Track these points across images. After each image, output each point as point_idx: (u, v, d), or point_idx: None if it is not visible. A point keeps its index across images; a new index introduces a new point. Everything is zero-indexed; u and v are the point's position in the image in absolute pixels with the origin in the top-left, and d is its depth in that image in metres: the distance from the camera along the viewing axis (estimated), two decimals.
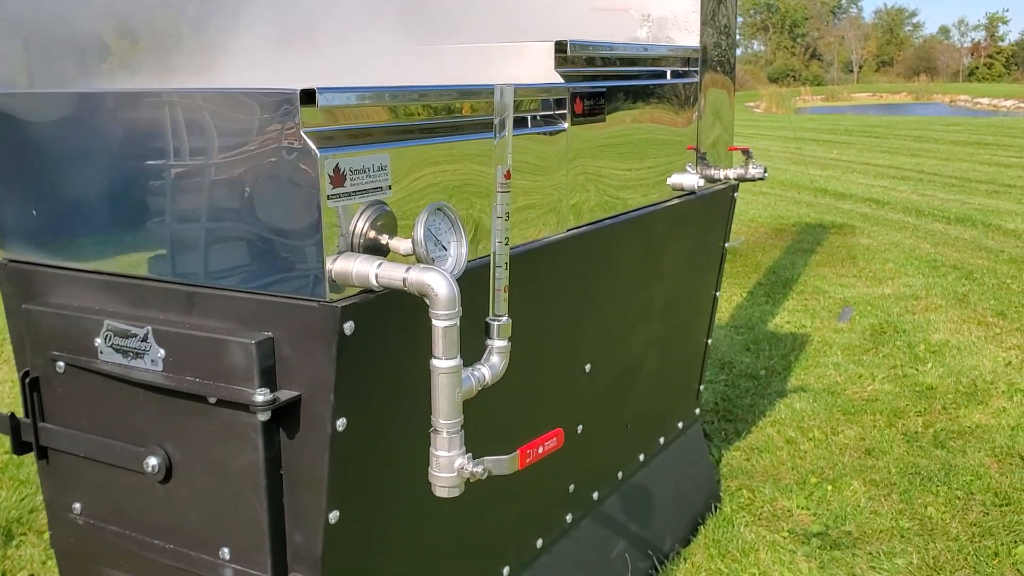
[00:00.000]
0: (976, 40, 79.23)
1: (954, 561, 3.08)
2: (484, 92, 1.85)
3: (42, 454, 1.94)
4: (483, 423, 1.73)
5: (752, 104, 38.06)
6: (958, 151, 16.09)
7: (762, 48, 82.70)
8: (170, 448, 1.74)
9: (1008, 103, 40.08)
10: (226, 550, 1.71)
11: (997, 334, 5.50)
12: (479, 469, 1.56)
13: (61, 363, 1.83)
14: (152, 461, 1.74)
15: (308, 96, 1.48)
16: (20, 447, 1.96)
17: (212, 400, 1.63)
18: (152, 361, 1.69)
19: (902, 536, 3.24)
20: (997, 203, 10.32)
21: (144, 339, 1.69)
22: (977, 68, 73.93)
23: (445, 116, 1.79)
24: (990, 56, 74.51)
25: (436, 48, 2.22)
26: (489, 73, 2.18)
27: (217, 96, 1.57)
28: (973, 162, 14.37)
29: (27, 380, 1.90)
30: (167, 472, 1.74)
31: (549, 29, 2.37)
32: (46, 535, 3.26)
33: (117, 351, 1.73)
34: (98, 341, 1.75)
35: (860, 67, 78.97)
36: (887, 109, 37.88)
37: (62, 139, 1.78)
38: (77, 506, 1.92)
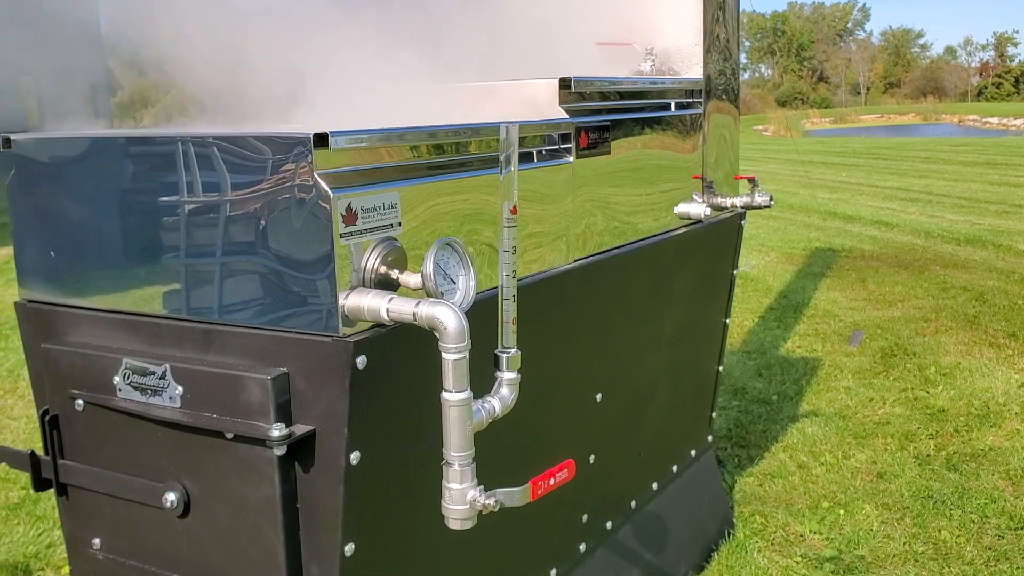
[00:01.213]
0: (984, 60, 79.29)
1: None
2: (490, 130, 1.89)
3: (62, 491, 1.97)
4: (495, 455, 1.76)
5: (760, 127, 38.18)
6: (967, 172, 16.10)
7: (769, 72, 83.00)
8: (188, 483, 1.76)
9: (1018, 122, 40.04)
10: None
11: (1009, 356, 5.49)
12: (491, 501, 1.58)
13: (80, 401, 1.86)
14: (171, 496, 1.76)
15: (321, 139, 1.53)
16: (40, 484, 1.99)
17: (229, 435, 1.66)
18: (170, 398, 1.72)
19: (916, 560, 3.23)
20: (1007, 223, 10.31)
21: (162, 376, 1.73)
22: (986, 88, 73.95)
23: (453, 154, 1.83)
24: (999, 75, 74.53)
25: (443, 87, 2.26)
26: (496, 110, 2.23)
27: (233, 140, 1.61)
28: (982, 182, 14.38)
29: (47, 418, 1.93)
30: (185, 507, 1.77)
31: (554, 65, 2.42)
32: (64, 570, 3.29)
33: (136, 388, 1.76)
34: (116, 379, 1.78)
35: (868, 89, 79.12)
36: (895, 130, 37.89)
37: (80, 181, 1.83)
38: (97, 541, 1.95)
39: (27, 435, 4.66)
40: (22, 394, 5.31)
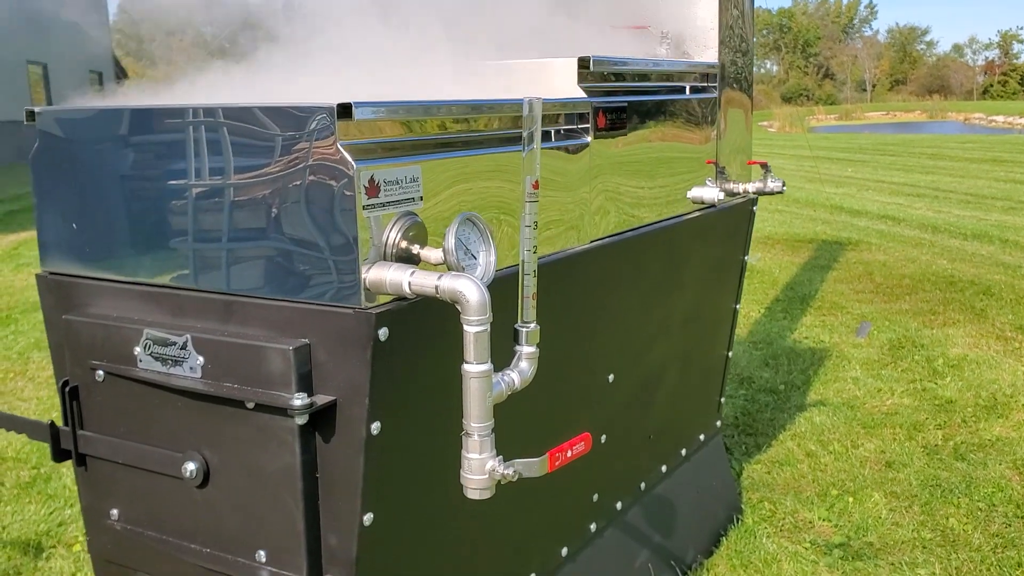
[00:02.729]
0: (990, 58, 79.03)
1: (976, 572, 3.09)
2: (512, 106, 1.90)
3: (80, 461, 1.99)
4: (511, 431, 1.77)
5: (766, 123, 38.10)
6: (973, 168, 16.09)
7: (775, 68, 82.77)
8: (208, 453, 1.78)
9: (1023, 120, 39.92)
10: (262, 553, 1.75)
11: (1016, 348, 5.50)
12: (510, 471, 1.60)
13: (100, 372, 1.88)
14: (190, 466, 1.78)
15: (344, 110, 1.54)
16: (59, 454, 2.01)
17: (250, 405, 1.67)
18: (191, 368, 1.73)
19: (924, 547, 3.25)
20: (1014, 219, 10.31)
21: (183, 347, 1.74)
22: (991, 86, 73.72)
23: (474, 129, 1.84)
24: (1004, 74, 74.28)
25: (462, 65, 2.27)
26: (515, 88, 2.24)
27: (256, 110, 1.62)
28: (989, 179, 14.37)
29: (66, 389, 1.95)
30: (205, 477, 1.78)
31: (572, 46, 2.42)
32: (75, 548, 3.31)
33: (156, 359, 1.78)
34: (137, 350, 1.80)
35: (873, 86, 78.91)
36: (901, 127, 37.81)
37: (101, 154, 1.84)
38: (115, 512, 1.97)
39: (37, 416, 4.67)
40: (32, 376, 5.34)
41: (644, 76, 2.53)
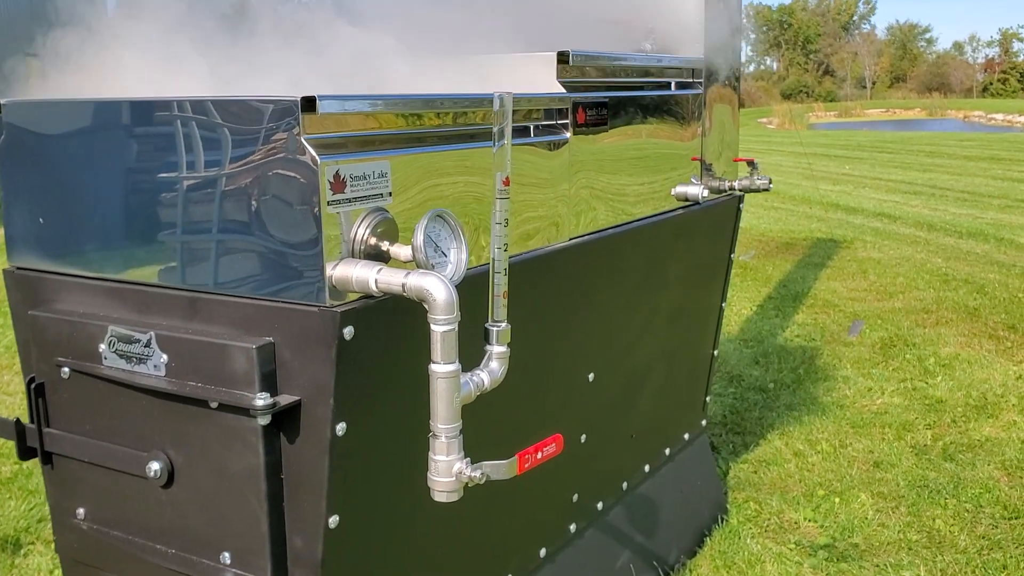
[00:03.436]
0: (990, 56, 78.90)
1: (962, 574, 3.06)
2: (485, 101, 1.87)
3: (47, 459, 1.96)
4: (485, 431, 1.74)
5: (765, 120, 38.00)
6: (971, 166, 16.05)
7: (775, 64, 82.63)
8: (172, 453, 1.75)
9: (1023, 119, 39.85)
10: (227, 554, 1.72)
11: (1008, 348, 5.47)
12: (477, 474, 1.57)
13: (66, 369, 1.85)
14: (154, 466, 1.75)
15: (309, 103, 1.50)
16: (25, 452, 1.98)
17: (214, 405, 1.64)
18: (155, 366, 1.70)
19: (909, 549, 3.22)
20: (1010, 218, 10.28)
21: (147, 344, 1.71)
22: (991, 84, 73.58)
23: (446, 124, 1.80)
24: (1004, 72, 74.13)
25: (440, 58, 2.24)
26: (492, 83, 2.20)
27: (219, 103, 1.59)
28: (986, 177, 14.33)
29: (32, 386, 1.92)
30: (169, 477, 1.75)
31: (554, 40, 2.39)
32: (54, 544, 3.28)
33: (121, 356, 1.75)
34: (102, 347, 1.77)
35: (873, 83, 78.74)
36: (900, 125, 37.75)
37: (66, 147, 1.81)
38: (81, 511, 1.94)
39: (22, 411, 4.64)
40: (19, 370, 5.30)
41: (626, 71, 2.49)
